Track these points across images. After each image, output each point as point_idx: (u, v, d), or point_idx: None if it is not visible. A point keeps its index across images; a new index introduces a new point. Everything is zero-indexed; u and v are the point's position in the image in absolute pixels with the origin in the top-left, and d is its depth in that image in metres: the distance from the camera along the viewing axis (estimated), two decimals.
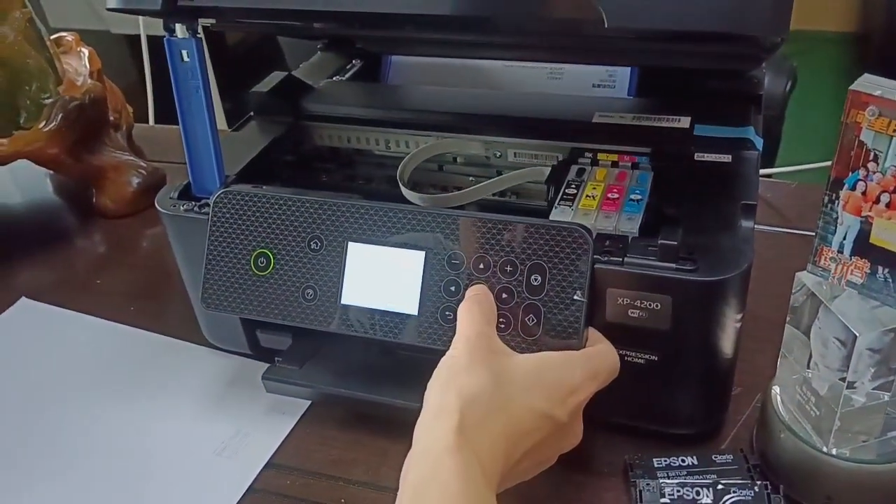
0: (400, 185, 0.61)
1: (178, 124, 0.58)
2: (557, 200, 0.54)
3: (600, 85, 0.73)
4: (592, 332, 0.50)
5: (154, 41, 1.55)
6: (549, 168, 0.60)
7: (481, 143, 0.65)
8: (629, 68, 0.71)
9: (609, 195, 0.54)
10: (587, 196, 0.54)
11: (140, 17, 1.49)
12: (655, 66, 0.68)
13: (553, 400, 0.44)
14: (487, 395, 0.42)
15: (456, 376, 0.44)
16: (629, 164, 0.58)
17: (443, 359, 0.46)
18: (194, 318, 0.67)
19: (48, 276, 0.81)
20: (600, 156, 0.59)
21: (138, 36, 1.59)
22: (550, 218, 0.52)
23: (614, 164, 0.58)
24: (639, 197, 0.54)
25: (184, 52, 0.56)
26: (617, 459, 0.54)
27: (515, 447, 0.43)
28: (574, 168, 0.58)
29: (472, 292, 0.49)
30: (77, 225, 0.90)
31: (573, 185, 0.56)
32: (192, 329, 0.68)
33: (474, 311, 0.48)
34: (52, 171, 0.97)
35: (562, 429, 0.45)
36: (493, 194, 0.63)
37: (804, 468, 0.49)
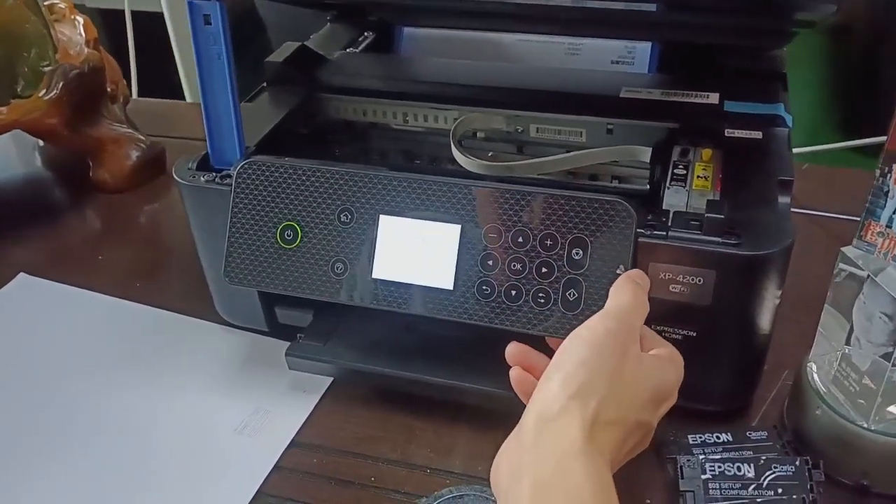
0: (458, 152, 0.58)
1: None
2: (668, 181, 0.52)
3: (619, 61, 0.72)
4: (649, 333, 0.48)
5: (135, 16, 1.52)
6: (650, 148, 0.58)
7: (528, 118, 0.64)
8: (649, 45, 0.70)
9: (721, 176, 0.52)
10: (698, 177, 0.52)
11: None
12: (681, 42, 0.68)
13: (653, 410, 0.44)
14: (613, 407, 0.41)
15: (590, 370, 0.41)
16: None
17: (579, 335, 0.43)
18: (202, 295, 0.65)
19: (46, 251, 0.78)
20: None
21: (113, 10, 1.55)
22: (664, 200, 0.51)
23: (717, 146, 0.56)
24: None
25: (207, 16, 0.54)
26: None
27: (619, 456, 0.42)
28: (677, 149, 0.56)
29: (637, 276, 0.47)
30: (72, 199, 0.86)
31: (680, 166, 0.54)
32: (200, 305, 0.66)
33: (628, 291, 0.45)
34: (42, 144, 0.94)
35: (649, 432, 0.45)
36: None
37: (840, 444, 0.49)
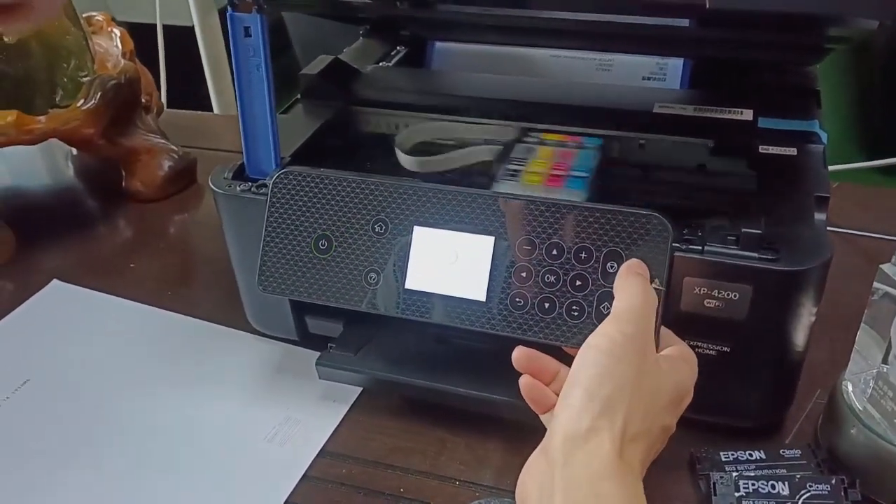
0: (397, 150, 0.63)
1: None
2: (498, 174, 0.57)
3: (650, 77, 0.72)
4: (663, 330, 0.47)
5: (166, 29, 1.54)
6: (501, 147, 0.62)
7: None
8: (680, 62, 0.70)
9: (554, 172, 0.56)
10: (532, 172, 0.56)
11: (157, 4, 1.47)
12: (713, 58, 0.68)
13: (672, 412, 0.43)
14: (639, 418, 0.40)
15: (612, 382, 0.40)
16: (575, 144, 0.61)
17: (595, 345, 0.42)
18: (233, 303, 0.66)
19: (78, 259, 0.79)
20: (546, 136, 0.61)
21: (144, 24, 1.57)
22: (493, 189, 0.54)
23: (560, 144, 0.60)
24: (584, 174, 0.56)
25: (248, 28, 0.54)
26: (681, 452, 0.53)
27: (646, 463, 0.42)
28: (522, 146, 0.60)
29: (638, 267, 0.46)
30: (104, 208, 0.87)
31: (517, 162, 0.58)
32: (232, 314, 0.67)
33: (636, 286, 0.44)
34: (75, 153, 0.96)
35: (669, 433, 0.44)
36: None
37: (877, 463, 0.49)
